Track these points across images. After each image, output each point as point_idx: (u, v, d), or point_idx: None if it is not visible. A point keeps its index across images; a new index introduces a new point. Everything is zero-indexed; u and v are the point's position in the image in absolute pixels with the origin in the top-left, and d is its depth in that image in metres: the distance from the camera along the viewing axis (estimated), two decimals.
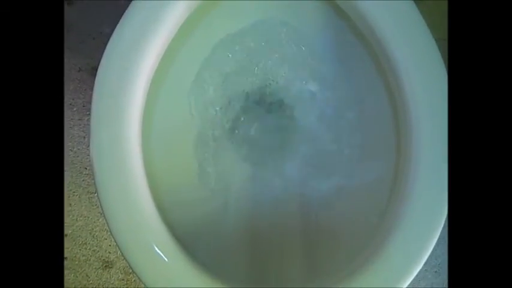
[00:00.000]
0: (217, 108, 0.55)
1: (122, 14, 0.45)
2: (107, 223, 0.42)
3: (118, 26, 0.45)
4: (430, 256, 0.41)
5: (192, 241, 0.45)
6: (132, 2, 0.45)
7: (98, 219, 0.78)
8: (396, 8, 0.45)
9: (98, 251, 0.77)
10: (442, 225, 0.41)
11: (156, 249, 0.41)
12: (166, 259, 0.41)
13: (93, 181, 0.42)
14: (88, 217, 0.78)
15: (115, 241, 0.42)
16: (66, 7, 0.81)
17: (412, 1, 0.46)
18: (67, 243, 0.77)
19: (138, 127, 0.44)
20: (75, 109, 0.80)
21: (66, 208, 0.78)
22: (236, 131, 0.56)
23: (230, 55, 0.55)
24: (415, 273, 0.41)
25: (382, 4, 0.45)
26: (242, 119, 0.56)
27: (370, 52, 0.50)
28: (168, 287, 0.41)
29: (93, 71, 0.80)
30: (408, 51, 0.44)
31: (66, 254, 0.77)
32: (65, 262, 0.77)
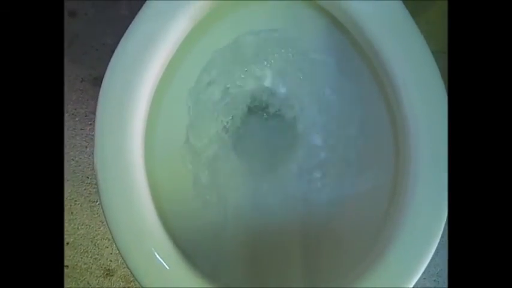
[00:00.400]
0: (218, 119, 0.56)
1: (125, 26, 0.46)
2: (110, 231, 0.42)
3: (123, 38, 0.46)
4: (429, 265, 0.42)
5: (193, 249, 0.46)
6: (137, 14, 0.46)
7: (100, 228, 0.78)
8: (393, 21, 0.46)
9: (99, 259, 0.77)
10: (440, 234, 0.42)
11: (158, 257, 0.42)
12: (167, 267, 0.42)
13: (94, 190, 0.43)
14: (90, 225, 0.78)
15: (117, 249, 0.42)
16: (69, 19, 0.81)
17: (409, 14, 0.46)
18: (68, 252, 0.77)
19: (141, 138, 0.44)
20: (77, 119, 0.80)
21: (68, 217, 0.78)
22: (236, 142, 0.56)
23: (229, 65, 0.55)
24: (414, 280, 0.41)
25: (379, 17, 0.46)
26: (242, 129, 0.57)
27: (368, 65, 0.51)
28: None
29: (96, 81, 0.81)
30: (405, 64, 0.45)
31: (67, 262, 0.77)
32: (67, 270, 0.77)
